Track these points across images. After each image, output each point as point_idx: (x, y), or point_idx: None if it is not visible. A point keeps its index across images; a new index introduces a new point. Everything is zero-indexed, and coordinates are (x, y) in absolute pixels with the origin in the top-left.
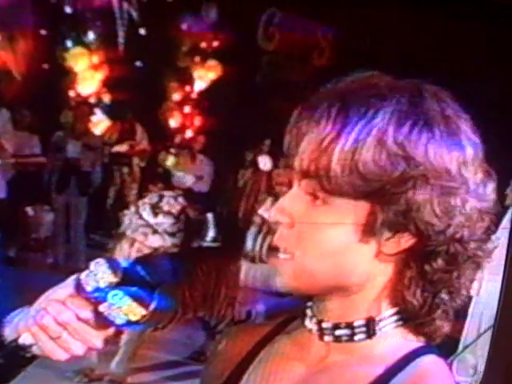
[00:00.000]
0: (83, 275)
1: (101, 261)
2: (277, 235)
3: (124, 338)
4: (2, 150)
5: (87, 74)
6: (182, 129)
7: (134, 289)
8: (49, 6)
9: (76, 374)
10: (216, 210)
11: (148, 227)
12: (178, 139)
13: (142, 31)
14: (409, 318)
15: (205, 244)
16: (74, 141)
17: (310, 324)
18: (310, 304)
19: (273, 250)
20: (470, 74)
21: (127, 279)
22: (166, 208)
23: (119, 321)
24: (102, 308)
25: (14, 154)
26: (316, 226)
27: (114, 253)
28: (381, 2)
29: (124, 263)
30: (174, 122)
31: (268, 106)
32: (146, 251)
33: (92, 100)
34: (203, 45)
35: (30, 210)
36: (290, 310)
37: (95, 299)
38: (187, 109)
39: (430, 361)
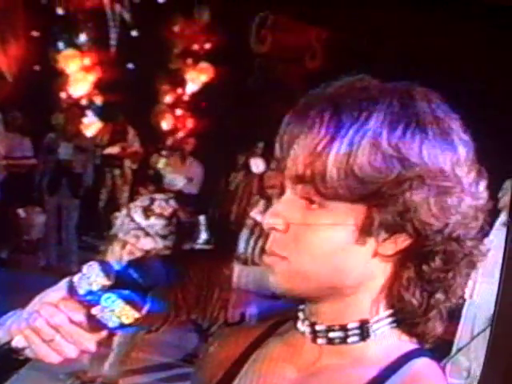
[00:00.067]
0: (76, 278)
1: (93, 264)
2: (270, 239)
3: (116, 340)
4: None
5: (79, 75)
6: (173, 131)
7: (126, 292)
8: (40, 8)
9: (68, 377)
10: (208, 213)
11: (140, 230)
12: (169, 141)
13: (134, 33)
14: (404, 319)
15: (197, 246)
16: (65, 143)
17: (302, 327)
18: (302, 307)
19: (266, 253)
20: (462, 74)
21: (120, 282)
22: (157, 211)
23: (112, 324)
24: (94, 311)
25: (6, 155)
26: (312, 229)
27: (106, 255)
28: (374, 5)
29: (117, 266)
30: (165, 125)
31: (260, 108)
32: (138, 253)
33: (84, 102)
34: (195, 47)
35: (21, 212)
36: (282, 313)
37: (88, 302)
38: (179, 111)
39: (423, 363)
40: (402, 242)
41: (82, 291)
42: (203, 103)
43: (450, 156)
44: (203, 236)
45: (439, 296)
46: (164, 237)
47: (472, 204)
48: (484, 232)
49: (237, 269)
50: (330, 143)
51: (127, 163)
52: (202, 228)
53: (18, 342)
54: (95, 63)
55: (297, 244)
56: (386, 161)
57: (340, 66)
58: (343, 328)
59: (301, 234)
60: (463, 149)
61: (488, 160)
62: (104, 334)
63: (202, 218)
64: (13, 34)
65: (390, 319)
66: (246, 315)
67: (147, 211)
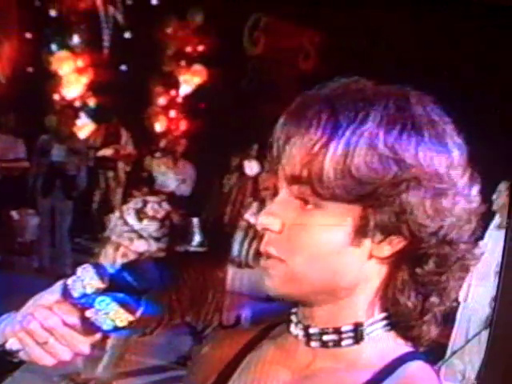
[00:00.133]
0: (70, 281)
1: (88, 267)
2: (265, 240)
3: (110, 342)
4: None
5: (72, 77)
6: (167, 133)
7: (120, 295)
8: (34, 9)
9: (62, 379)
10: (202, 215)
11: (133, 232)
12: (163, 143)
13: (127, 35)
14: (399, 322)
15: (191, 249)
16: (58, 145)
17: (295, 330)
18: (294, 310)
19: (260, 254)
20: (460, 75)
21: (114, 285)
22: (150, 213)
23: (106, 326)
24: (88, 314)
25: None
26: (307, 230)
27: (99, 257)
28: (369, 5)
29: (111, 269)
30: (159, 127)
31: (254, 110)
32: (132, 256)
33: (77, 104)
34: (188, 49)
35: (15, 214)
36: (276, 316)
37: (82, 305)
38: (172, 113)
39: (418, 367)
40: (397, 243)
41: (76, 294)
42: (197, 105)
43: (444, 158)
44: (197, 238)
45: (433, 299)
46: (157, 239)
47: (465, 207)
48: (477, 235)
49: (231, 271)
50: (327, 144)
51: (121, 165)
52: (196, 230)
53: (12, 344)
54: (88, 65)
55: (291, 245)
56: (382, 162)
57: (334, 67)
58: (337, 331)
59: (295, 235)
60: (457, 152)
61: (482, 162)
62: (98, 336)
63: (195, 221)
64: (5, 36)
65: (384, 322)
66: (241, 318)
67: (140, 214)
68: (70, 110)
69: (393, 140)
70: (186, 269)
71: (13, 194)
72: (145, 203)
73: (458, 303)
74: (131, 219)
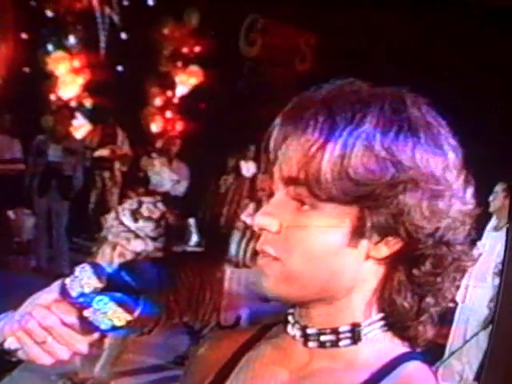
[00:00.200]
0: (68, 280)
1: (86, 266)
2: (262, 239)
3: (108, 342)
4: None
5: (68, 77)
6: (163, 133)
7: (118, 294)
8: (30, 10)
9: (60, 378)
10: (198, 215)
11: (130, 232)
12: (159, 144)
13: (124, 36)
14: (395, 322)
15: (189, 249)
16: (55, 145)
17: (292, 330)
18: (291, 310)
19: (257, 254)
20: (459, 76)
21: (112, 285)
22: (145, 214)
23: (104, 326)
24: (86, 313)
25: None
26: (304, 231)
27: (97, 257)
28: (366, 6)
29: (109, 269)
30: (155, 127)
31: (250, 111)
32: (129, 255)
33: (73, 104)
34: (185, 50)
35: (11, 214)
36: (274, 316)
37: (80, 304)
38: (169, 114)
39: (415, 367)
40: (394, 244)
41: (74, 293)
42: (193, 106)
43: (440, 161)
44: (194, 238)
45: (429, 300)
46: (154, 239)
47: (461, 209)
48: (472, 237)
49: (228, 271)
50: (324, 145)
51: (117, 165)
52: (193, 230)
53: (10, 343)
54: (85, 65)
55: (288, 245)
56: (379, 163)
57: (330, 68)
58: (335, 331)
59: (292, 236)
60: (452, 154)
61: (479, 163)
62: (96, 336)
63: (191, 221)
64: (2, 36)
65: (381, 322)
66: (238, 318)
67: (135, 214)
68: (67, 111)
69: (390, 142)
70: (184, 269)
71: (9, 193)
72: (140, 204)
73: (456, 304)
74: (127, 220)
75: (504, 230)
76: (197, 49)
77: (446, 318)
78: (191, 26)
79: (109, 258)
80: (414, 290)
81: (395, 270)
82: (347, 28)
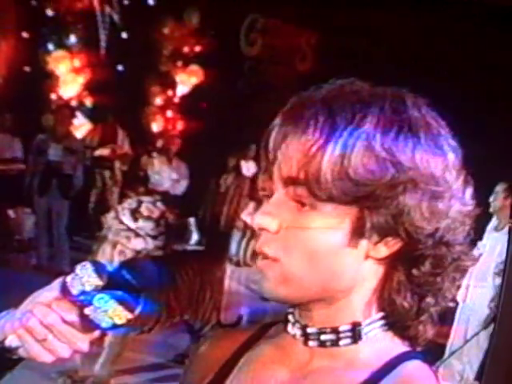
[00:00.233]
0: (69, 278)
1: (87, 264)
2: (261, 240)
3: (108, 340)
4: None
5: (69, 77)
6: (163, 133)
7: (119, 292)
8: (30, 9)
9: (60, 375)
10: (198, 214)
11: (130, 231)
12: (159, 143)
13: (124, 35)
14: (395, 322)
15: (189, 247)
16: (55, 144)
17: (292, 330)
18: (291, 310)
19: (257, 254)
20: (458, 76)
21: (113, 283)
22: (145, 213)
23: (105, 324)
24: (87, 311)
25: None
26: (304, 231)
27: (97, 255)
28: (367, 6)
29: (110, 267)
30: (155, 126)
31: (251, 111)
32: (129, 254)
33: (73, 103)
34: (185, 49)
35: (11, 213)
36: (274, 315)
37: (81, 302)
38: (169, 113)
39: (415, 366)
40: (394, 244)
41: (74, 291)
42: (194, 105)
43: (440, 161)
44: (195, 237)
45: (429, 300)
46: (154, 237)
47: (460, 209)
48: (471, 237)
49: (229, 270)
50: (324, 145)
51: (117, 165)
52: (193, 229)
53: (11, 341)
54: (85, 65)
55: (288, 245)
56: (379, 164)
57: (330, 68)
58: (335, 330)
59: (292, 236)
60: (452, 154)
61: (479, 164)
62: (97, 334)
63: (191, 220)
64: (2, 35)
65: (381, 322)
66: (239, 317)
67: (135, 213)
68: (67, 110)
69: (390, 142)
70: (184, 267)
71: (9, 192)
72: (139, 203)
73: (457, 303)
74: (126, 219)
75: (504, 230)
76: (197, 48)
77: (446, 318)
78: (192, 26)
79: (109, 256)
80: (413, 289)
81: (395, 270)
82: (347, 28)
